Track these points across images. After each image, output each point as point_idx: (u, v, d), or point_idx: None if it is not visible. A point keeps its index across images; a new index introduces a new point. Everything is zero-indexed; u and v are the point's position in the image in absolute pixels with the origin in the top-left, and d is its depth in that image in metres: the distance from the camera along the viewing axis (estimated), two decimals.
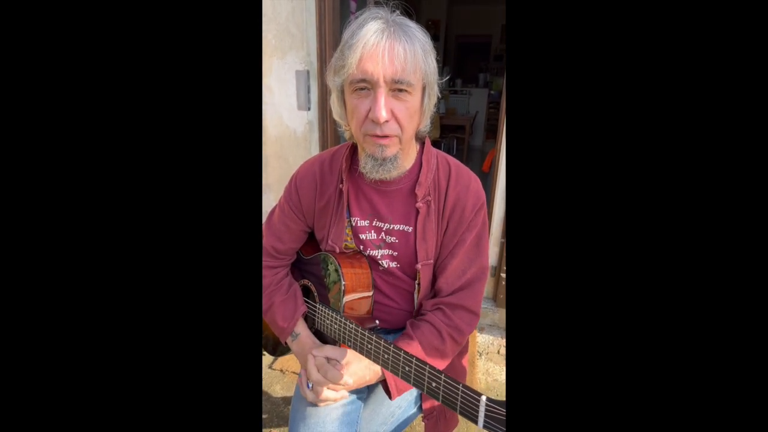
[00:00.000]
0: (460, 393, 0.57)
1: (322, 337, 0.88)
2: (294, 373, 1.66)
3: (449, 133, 5.63)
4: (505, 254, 1.87)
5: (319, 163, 0.84)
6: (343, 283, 0.79)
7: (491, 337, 1.92)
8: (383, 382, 0.78)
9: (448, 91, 6.52)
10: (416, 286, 0.83)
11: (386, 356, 0.68)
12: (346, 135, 0.79)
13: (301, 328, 0.87)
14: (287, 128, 1.89)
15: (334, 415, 0.81)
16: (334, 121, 0.92)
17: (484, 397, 0.54)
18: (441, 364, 0.79)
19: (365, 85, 0.65)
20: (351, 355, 0.77)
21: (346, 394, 0.82)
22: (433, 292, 0.83)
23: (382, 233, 0.81)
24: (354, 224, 0.82)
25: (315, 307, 0.88)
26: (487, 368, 1.73)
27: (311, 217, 0.86)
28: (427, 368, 0.61)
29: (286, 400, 1.54)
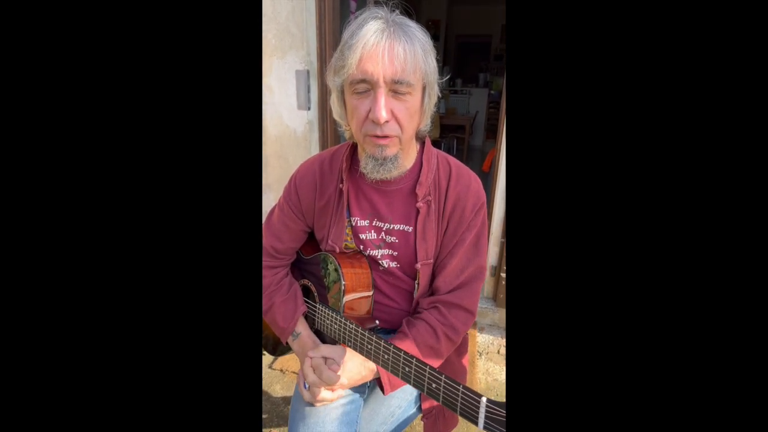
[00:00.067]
0: (460, 394, 0.57)
1: (322, 337, 0.88)
2: (294, 372, 1.66)
3: (449, 133, 5.63)
4: (505, 254, 1.87)
5: (319, 163, 0.84)
6: (343, 282, 0.79)
7: (491, 337, 1.92)
8: (377, 378, 0.78)
9: (448, 90, 6.52)
10: (416, 285, 0.83)
11: (386, 356, 0.68)
12: (346, 135, 0.79)
13: (302, 328, 0.87)
14: (287, 128, 1.89)
15: (334, 414, 0.81)
16: (334, 121, 0.92)
17: (484, 399, 0.54)
18: (435, 363, 0.79)
19: (365, 86, 0.65)
20: (346, 353, 0.78)
21: (343, 393, 0.82)
22: (431, 290, 0.83)
23: (382, 233, 0.81)
24: (354, 224, 0.82)
25: (315, 307, 0.88)
26: (487, 368, 1.73)
27: (311, 216, 0.86)
28: (428, 369, 0.61)
29: (286, 400, 1.54)
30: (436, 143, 2.71)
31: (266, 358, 1.67)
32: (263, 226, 0.91)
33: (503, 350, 1.84)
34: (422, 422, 0.87)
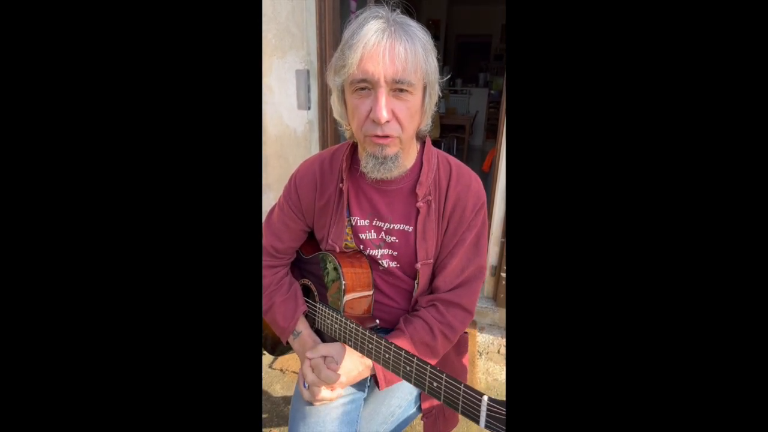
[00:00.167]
0: (461, 393, 0.57)
1: (322, 337, 0.88)
2: (294, 372, 1.66)
3: (449, 133, 5.63)
4: (505, 254, 1.87)
5: (319, 162, 0.84)
6: (343, 282, 0.79)
7: (491, 337, 1.92)
8: (375, 374, 0.78)
9: (448, 90, 6.52)
10: (415, 285, 0.83)
11: (387, 356, 0.68)
12: (347, 134, 0.79)
13: (303, 327, 0.87)
14: (287, 128, 1.89)
15: (334, 414, 0.81)
16: (335, 121, 0.92)
17: (485, 397, 0.54)
18: (431, 361, 0.79)
19: (366, 85, 0.65)
20: (342, 350, 0.78)
21: (342, 392, 0.83)
22: (430, 289, 0.83)
23: (382, 233, 0.81)
24: (354, 224, 0.82)
25: (315, 306, 0.88)
26: (487, 368, 1.74)
27: (311, 216, 0.86)
28: (429, 368, 0.61)
29: (286, 400, 1.54)
30: (436, 143, 2.71)
31: (266, 357, 1.67)
32: (263, 225, 0.91)
33: (503, 350, 1.84)
34: (422, 422, 0.87)
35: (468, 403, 0.56)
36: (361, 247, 0.83)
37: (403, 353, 0.65)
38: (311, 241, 0.94)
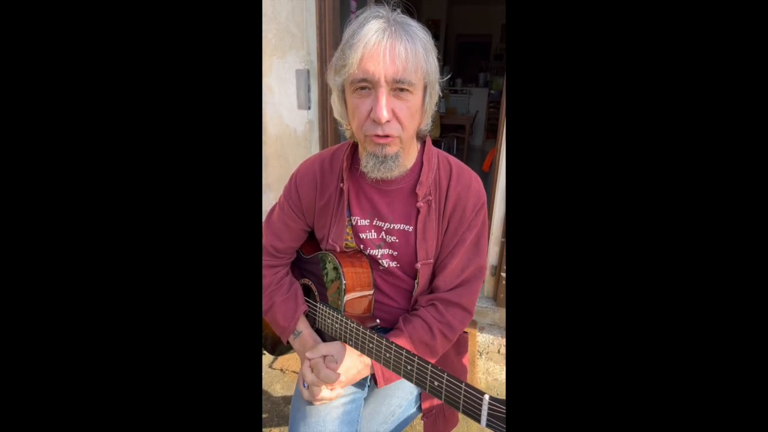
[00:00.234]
0: (462, 392, 0.57)
1: (322, 336, 0.88)
2: (294, 372, 1.66)
3: (449, 133, 5.63)
4: (505, 254, 1.87)
5: (320, 162, 0.84)
6: (344, 282, 0.79)
7: (491, 337, 1.92)
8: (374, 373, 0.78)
9: (448, 90, 6.52)
10: (415, 285, 0.83)
11: (388, 355, 0.68)
12: (347, 134, 0.79)
13: (303, 326, 0.87)
14: (287, 127, 1.89)
15: (335, 414, 0.81)
16: (335, 121, 0.92)
17: (487, 396, 0.54)
18: (430, 360, 0.79)
19: (366, 85, 0.65)
20: (342, 349, 0.78)
21: (342, 392, 0.83)
22: (430, 289, 0.83)
23: (383, 233, 0.81)
24: (354, 223, 0.82)
25: (315, 306, 0.88)
26: (488, 368, 1.74)
27: (311, 216, 0.86)
28: (430, 367, 0.61)
29: (286, 400, 1.54)
30: (436, 143, 2.72)
31: (266, 357, 1.67)
32: (263, 225, 0.91)
33: (503, 350, 1.84)
34: (422, 422, 0.87)
35: (469, 402, 0.56)
36: (362, 246, 0.83)
37: (404, 352, 0.65)
38: (311, 241, 0.94)
